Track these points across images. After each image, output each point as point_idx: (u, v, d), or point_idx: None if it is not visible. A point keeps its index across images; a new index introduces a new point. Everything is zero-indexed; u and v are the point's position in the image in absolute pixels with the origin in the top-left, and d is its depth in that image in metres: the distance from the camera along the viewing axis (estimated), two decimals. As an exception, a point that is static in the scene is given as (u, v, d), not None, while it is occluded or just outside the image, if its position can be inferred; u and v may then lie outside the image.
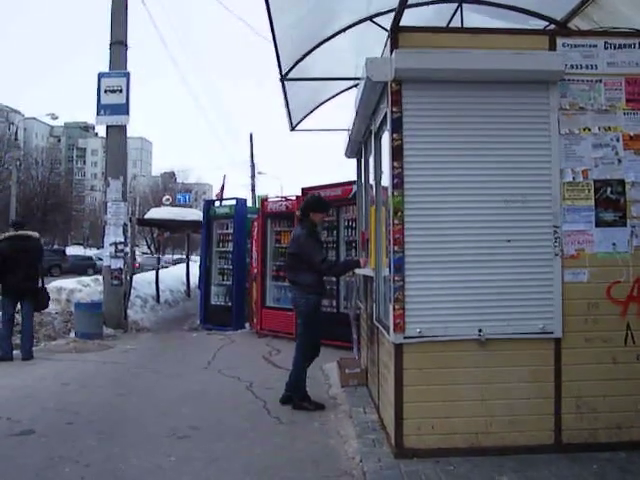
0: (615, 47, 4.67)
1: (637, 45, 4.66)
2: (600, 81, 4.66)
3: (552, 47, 4.62)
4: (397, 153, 4.46)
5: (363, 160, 7.04)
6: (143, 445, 5.05)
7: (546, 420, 4.50)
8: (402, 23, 4.51)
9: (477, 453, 4.40)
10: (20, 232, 9.23)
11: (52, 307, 12.09)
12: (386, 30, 5.03)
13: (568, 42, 4.65)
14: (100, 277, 13.30)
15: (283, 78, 7.70)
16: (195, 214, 17.52)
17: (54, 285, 13.11)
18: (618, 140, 4.64)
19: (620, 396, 4.53)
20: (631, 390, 4.54)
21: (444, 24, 7.00)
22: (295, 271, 6.22)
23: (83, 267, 35.57)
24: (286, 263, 6.67)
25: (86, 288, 13.21)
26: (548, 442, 4.48)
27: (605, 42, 4.67)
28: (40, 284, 9.30)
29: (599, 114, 4.65)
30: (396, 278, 4.44)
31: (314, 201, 6.41)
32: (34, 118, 59.67)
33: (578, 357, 4.52)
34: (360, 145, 6.97)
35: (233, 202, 13.26)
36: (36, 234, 9.61)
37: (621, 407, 4.53)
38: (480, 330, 4.45)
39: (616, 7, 5.63)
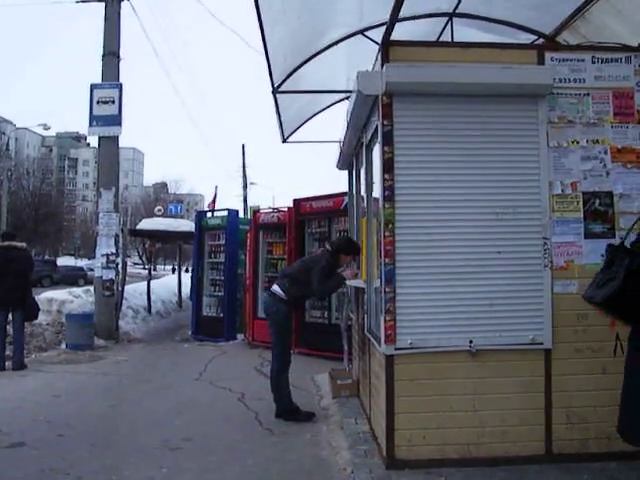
0: (602, 61, 4.75)
1: (624, 59, 4.74)
2: (588, 95, 4.73)
3: (541, 61, 4.69)
4: (388, 165, 4.50)
5: (354, 172, 7.08)
6: (135, 456, 5.03)
7: (537, 430, 4.53)
8: (393, 37, 4.57)
9: (469, 464, 4.42)
10: (6, 243, 9.22)
11: (43, 318, 12.06)
12: (377, 44, 5.09)
13: (556, 56, 4.73)
14: (91, 288, 13.27)
15: (275, 91, 7.74)
16: (187, 225, 17.52)
17: (45, 296, 13.06)
18: (606, 153, 4.71)
19: (610, 406, 4.53)
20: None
21: (434, 38, 7.07)
22: (288, 278, 6.27)
23: (74, 278, 35.41)
24: (287, 270, 6.73)
25: (77, 299, 13.17)
26: (539, 452, 4.51)
27: (593, 56, 4.75)
28: (29, 294, 9.31)
29: (587, 127, 4.72)
30: (387, 289, 4.47)
31: (348, 243, 6.51)
32: (26, 128, 59.72)
33: (568, 368, 4.56)
34: (351, 157, 7.02)
35: (225, 213, 13.28)
36: (23, 245, 9.57)
37: (611, 417, 4.51)
38: (471, 341, 4.49)
39: (604, 22, 5.71)
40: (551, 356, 4.55)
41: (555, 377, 4.55)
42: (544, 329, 4.54)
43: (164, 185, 78.13)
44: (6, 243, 9.19)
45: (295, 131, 9.66)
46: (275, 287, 6.26)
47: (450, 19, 6.76)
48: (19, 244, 9.41)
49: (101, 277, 12.28)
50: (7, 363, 8.98)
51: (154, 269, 23.42)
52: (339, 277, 6.21)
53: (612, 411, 4.51)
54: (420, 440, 4.46)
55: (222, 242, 12.99)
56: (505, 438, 4.50)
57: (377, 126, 4.73)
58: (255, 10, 5.55)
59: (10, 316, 9.18)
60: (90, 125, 12.70)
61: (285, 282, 6.22)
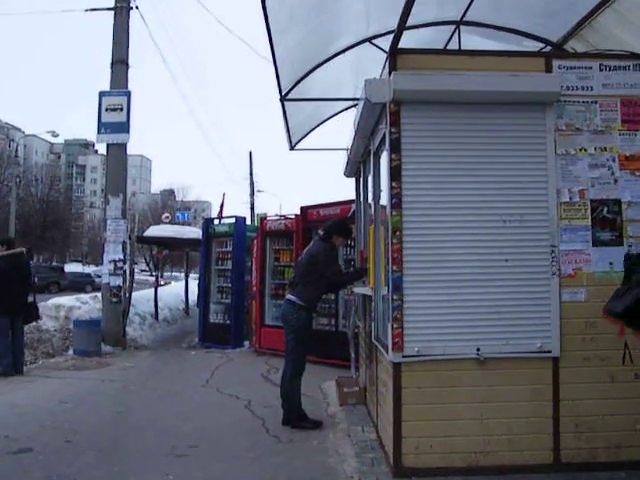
0: (610, 69, 4.74)
1: (631, 67, 4.74)
2: (595, 102, 4.72)
3: (548, 69, 4.69)
4: (396, 173, 4.51)
5: (362, 179, 7.08)
6: (142, 463, 5.04)
7: (545, 439, 4.50)
8: (400, 45, 4.58)
9: (475, 472, 4.40)
10: (13, 250, 9.29)
11: (51, 324, 12.14)
12: (385, 52, 5.11)
13: (564, 64, 4.73)
14: (99, 294, 13.30)
15: (283, 98, 7.77)
16: (194, 232, 17.56)
17: (53, 302, 13.13)
18: (614, 160, 4.70)
19: (619, 415, 4.53)
20: (630, 409, 4.54)
21: (442, 46, 7.09)
22: (299, 284, 6.23)
23: (81, 284, 35.47)
24: (293, 276, 6.63)
25: (85, 305, 13.21)
26: (547, 462, 4.48)
27: (600, 64, 4.74)
28: (33, 299, 9.47)
29: (595, 135, 4.71)
30: (394, 297, 4.46)
31: (340, 225, 6.50)
32: (34, 135, 59.99)
33: (576, 376, 4.53)
34: (359, 164, 7.02)
35: (232, 220, 13.29)
36: (23, 250, 9.68)
37: (620, 426, 4.53)
38: (478, 349, 4.47)
39: (611, 30, 5.71)
40: (559, 364, 4.53)
41: (563, 385, 4.52)
42: (552, 337, 4.52)
43: (171, 192, 78.31)
44: (11, 251, 9.27)
45: (303, 139, 9.68)
46: (291, 296, 6.23)
47: (457, 27, 6.78)
48: (22, 250, 9.53)
49: (108, 283, 12.32)
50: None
51: (161, 276, 23.46)
52: (361, 270, 6.27)
53: (621, 420, 4.51)
54: (427, 448, 4.44)
55: (229, 249, 13.00)
56: (512, 447, 4.47)
57: (385, 134, 4.74)
58: (263, 18, 5.58)
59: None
60: (98, 132, 12.76)
61: (298, 289, 6.20)
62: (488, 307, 4.52)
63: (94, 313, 12.54)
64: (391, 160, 4.52)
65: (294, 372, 6.14)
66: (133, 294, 13.63)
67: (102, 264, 12.87)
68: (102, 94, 12.75)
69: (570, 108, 4.70)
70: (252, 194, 41.98)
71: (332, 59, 7.28)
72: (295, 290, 6.23)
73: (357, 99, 6.25)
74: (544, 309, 4.55)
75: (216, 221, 14.22)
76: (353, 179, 7.69)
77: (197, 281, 15.58)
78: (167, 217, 21.22)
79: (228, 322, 12.76)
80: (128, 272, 12.83)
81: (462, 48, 6.62)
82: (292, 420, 6.07)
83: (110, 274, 12.31)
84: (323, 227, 6.46)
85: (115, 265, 12.30)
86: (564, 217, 4.63)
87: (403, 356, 4.45)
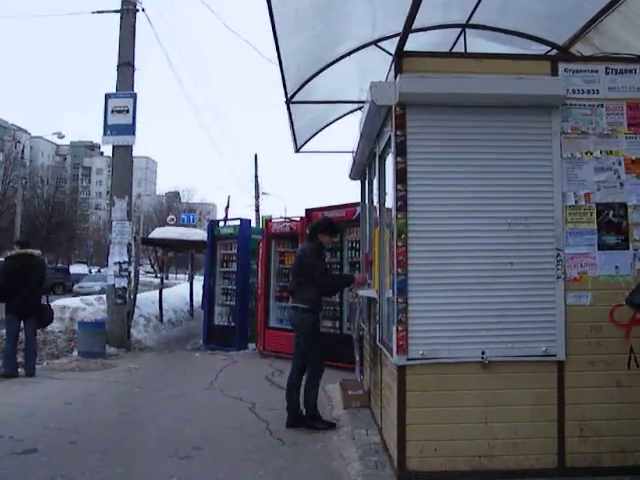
0: (616, 72, 4.73)
1: (638, 70, 4.73)
2: (602, 105, 4.71)
3: (554, 72, 4.69)
4: (401, 176, 4.50)
5: (367, 182, 7.09)
6: (145, 465, 5.04)
7: (549, 443, 4.48)
8: (406, 48, 4.58)
9: (480, 476, 4.38)
10: (24, 251, 9.34)
11: (56, 325, 12.14)
12: (391, 54, 5.12)
13: (570, 67, 4.72)
14: (104, 296, 13.33)
15: (288, 101, 7.77)
16: (199, 234, 17.58)
17: (58, 303, 13.14)
18: (620, 164, 4.68)
19: (624, 420, 4.51)
20: (635, 414, 4.52)
21: (448, 49, 7.07)
22: (296, 287, 6.32)
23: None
24: (291, 283, 6.75)
25: (89, 307, 13.23)
26: (551, 466, 4.46)
27: (606, 67, 4.74)
28: (45, 301, 9.45)
29: (601, 138, 4.70)
30: (399, 300, 4.46)
31: (324, 223, 6.59)
32: (40, 137, 60.22)
33: (581, 380, 4.51)
34: (364, 167, 7.02)
35: (237, 223, 13.31)
36: (38, 252, 9.75)
37: (625, 431, 4.51)
38: (483, 352, 4.46)
39: (617, 33, 5.69)
40: (564, 368, 4.51)
41: (568, 389, 4.51)
42: (557, 341, 4.51)
43: (177, 194, 78.38)
44: (22, 251, 9.31)
45: (308, 141, 9.67)
46: (293, 303, 6.35)
47: (463, 30, 6.76)
48: (35, 251, 9.57)
49: (113, 285, 12.34)
50: (19, 370, 9.04)
51: (166, 278, 23.49)
52: (348, 277, 6.28)
53: (626, 424, 4.50)
54: (431, 452, 4.43)
55: (234, 251, 13.02)
56: (517, 451, 4.45)
57: (390, 136, 4.74)
58: (269, 21, 5.58)
59: (22, 323, 9.23)
60: (104, 134, 12.77)
61: (296, 293, 6.30)
62: (493, 310, 4.51)
63: (99, 315, 12.55)
64: (396, 163, 4.52)
65: (313, 372, 6.20)
66: (138, 296, 13.65)
67: (107, 266, 12.89)
68: (108, 96, 12.77)
69: (576, 111, 4.69)
70: (257, 196, 41.98)
71: (338, 62, 7.27)
72: (294, 295, 6.37)
73: (363, 102, 6.25)
74: (549, 313, 4.53)
75: (221, 223, 14.25)
76: (358, 182, 7.69)
77: (202, 283, 15.58)
78: (172, 219, 21.29)
79: (233, 324, 12.77)
80: (133, 274, 12.85)
81: (468, 51, 6.62)
82: (305, 420, 6.10)
83: (115, 276, 12.33)
84: (308, 227, 6.54)
85: (120, 267, 12.31)
86: (570, 221, 4.61)
87: (408, 359, 4.45)
